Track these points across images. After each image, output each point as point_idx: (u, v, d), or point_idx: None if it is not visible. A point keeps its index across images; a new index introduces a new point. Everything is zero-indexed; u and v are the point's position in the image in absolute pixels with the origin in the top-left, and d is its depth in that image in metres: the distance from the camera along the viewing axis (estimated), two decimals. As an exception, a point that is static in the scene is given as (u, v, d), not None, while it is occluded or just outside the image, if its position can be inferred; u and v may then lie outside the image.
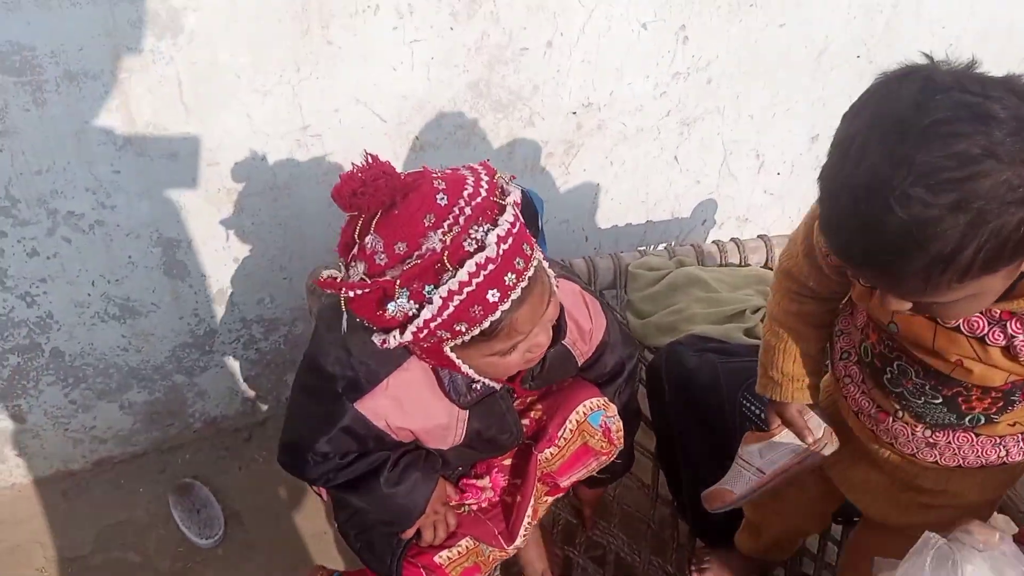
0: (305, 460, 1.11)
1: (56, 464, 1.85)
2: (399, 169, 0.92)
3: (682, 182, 2.18)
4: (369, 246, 0.88)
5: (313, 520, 1.87)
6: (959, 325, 0.89)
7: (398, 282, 0.85)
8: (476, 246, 0.86)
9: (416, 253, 0.86)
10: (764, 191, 2.39)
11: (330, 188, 1.66)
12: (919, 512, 1.18)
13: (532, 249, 0.93)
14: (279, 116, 1.53)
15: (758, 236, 1.92)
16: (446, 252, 0.84)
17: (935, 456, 1.07)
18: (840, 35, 2.06)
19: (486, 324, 0.90)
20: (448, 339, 0.92)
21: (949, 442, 1.05)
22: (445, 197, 0.87)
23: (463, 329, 0.90)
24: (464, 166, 0.95)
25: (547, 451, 1.26)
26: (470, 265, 0.85)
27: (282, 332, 1.90)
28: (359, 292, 0.88)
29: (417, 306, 0.87)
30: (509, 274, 0.88)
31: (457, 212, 0.86)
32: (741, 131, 2.16)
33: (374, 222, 0.87)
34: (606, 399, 1.27)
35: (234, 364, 1.91)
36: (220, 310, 1.78)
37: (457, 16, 1.59)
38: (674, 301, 1.68)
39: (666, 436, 1.54)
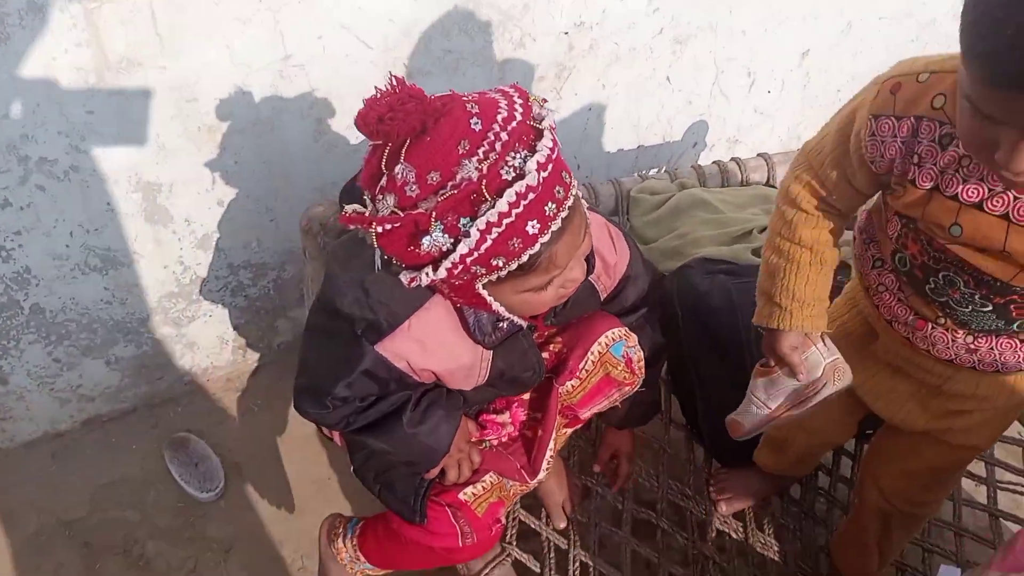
0: (324, 405, 1.05)
1: (43, 426, 1.77)
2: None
3: (674, 104, 2.12)
4: (399, 176, 0.81)
5: (316, 466, 1.83)
6: None
7: (433, 214, 0.79)
8: (515, 174, 0.80)
9: (451, 183, 0.79)
10: (755, 110, 2.34)
11: (315, 123, 1.60)
12: (946, 418, 1.18)
13: (570, 177, 0.88)
14: (260, 46, 1.43)
15: (758, 155, 1.88)
16: (483, 181, 0.79)
17: (973, 361, 1.06)
18: (834, -58, 1.99)
19: (524, 258, 0.84)
20: (483, 275, 0.86)
21: (991, 348, 1.03)
22: (479, 122, 0.81)
23: (500, 264, 0.84)
24: (494, 89, 0.87)
25: (568, 383, 1.23)
26: (509, 195, 0.79)
27: (271, 277, 1.83)
28: (389, 227, 0.81)
29: (452, 240, 0.81)
30: (549, 204, 0.83)
31: (492, 138, 0.80)
32: (733, 48, 2.10)
33: (403, 150, 0.80)
34: (627, 329, 1.23)
35: (223, 312, 1.83)
36: (206, 256, 1.69)
37: (443, -68, 1.50)
38: (679, 225, 1.63)
39: (679, 361, 1.51)
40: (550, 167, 0.82)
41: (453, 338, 1.04)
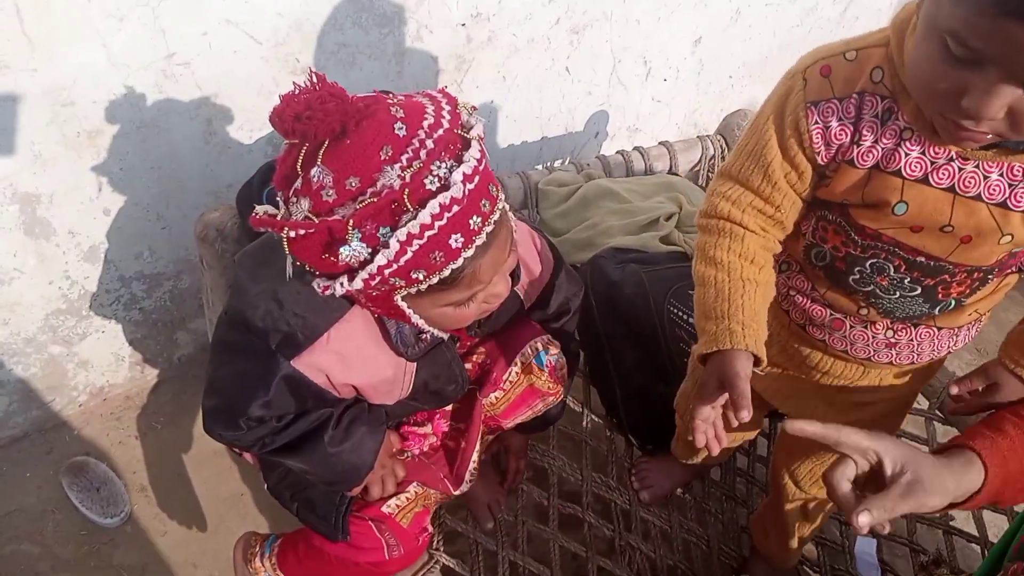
0: (238, 427, 1.00)
1: (-78, 460, 1.64)
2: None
3: (574, 94, 2.12)
4: (316, 180, 0.76)
5: (227, 483, 1.75)
6: (980, 192, 0.85)
7: (350, 222, 0.75)
8: (439, 184, 0.76)
9: (370, 190, 0.75)
10: (652, 98, 2.38)
11: (205, 123, 1.53)
12: (852, 410, 1.18)
13: (498, 189, 0.84)
14: (140, 44, 1.35)
15: (660, 143, 1.91)
16: (406, 190, 0.75)
17: (891, 357, 1.06)
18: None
19: (446, 272, 0.81)
20: (402, 287, 0.83)
21: (911, 339, 1.04)
22: (404, 127, 0.76)
23: (420, 277, 0.81)
24: (420, 93, 0.84)
25: (492, 395, 1.21)
26: (433, 206, 0.75)
27: (166, 288, 1.74)
28: (303, 232, 0.76)
29: (371, 251, 0.77)
30: (475, 217, 0.80)
31: (417, 144, 0.76)
32: (629, 37, 2.12)
33: (321, 152, 0.76)
34: (550, 337, 1.22)
35: (116, 327, 1.73)
36: (94, 269, 1.59)
37: (331, -79, 1.45)
38: (588, 216, 1.64)
39: (596, 351, 1.52)
40: (477, 179, 0.79)
41: (374, 350, 1.00)
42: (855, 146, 0.89)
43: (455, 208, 0.77)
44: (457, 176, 0.76)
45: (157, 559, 1.61)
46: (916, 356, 1.07)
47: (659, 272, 1.40)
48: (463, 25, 1.76)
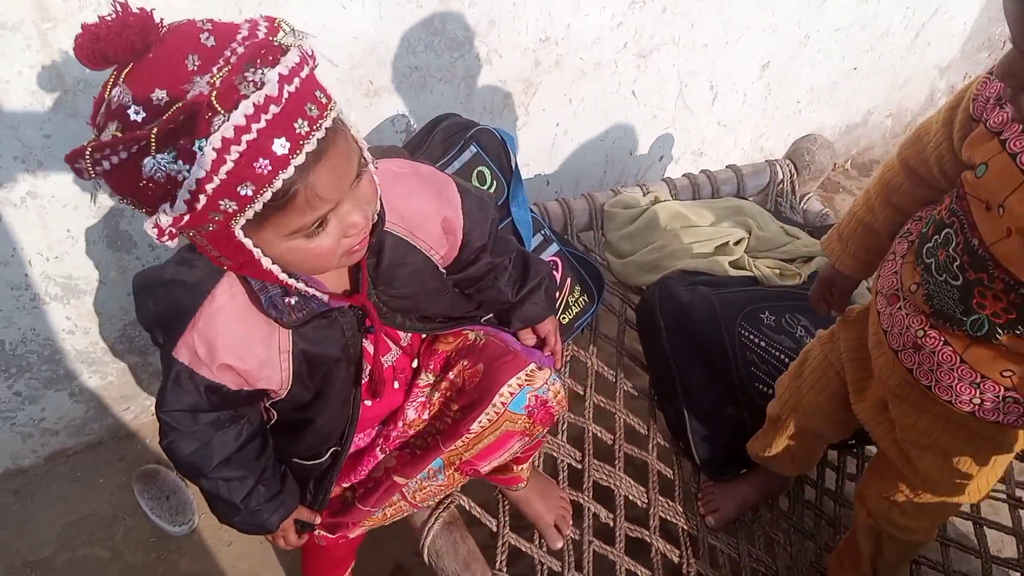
0: (163, 428, 0.97)
1: (4, 462, 1.70)
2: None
3: (640, 117, 2.13)
4: (117, 99, 0.69)
5: (291, 495, 1.78)
6: None
7: (155, 132, 0.66)
8: (253, 89, 0.68)
9: (180, 103, 0.67)
10: (718, 123, 2.36)
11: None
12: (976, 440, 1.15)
13: (329, 100, 0.76)
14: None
15: (727, 167, 1.90)
16: (214, 93, 0.67)
17: (915, 363, 1.06)
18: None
19: (278, 184, 0.71)
20: (235, 212, 0.73)
21: (934, 351, 1.03)
22: (212, 38, 0.70)
23: (249, 193, 0.71)
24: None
25: (455, 443, 1.13)
26: (246, 106, 0.67)
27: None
28: (112, 157, 0.68)
29: (187, 167, 0.68)
30: (299, 120, 0.71)
31: (229, 54, 0.69)
32: (696, 61, 2.12)
33: (124, 72, 0.69)
34: (534, 366, 1.12)
35: (189, 340, 1.78)
36: (172, 282, 1.65)
37: (407, -53, 1.49)
38: (654, 238, 1.63)
39: (664, 374, 1.50)
40: (296, 81, 0.71)
41: (249, 324, 0.92)
42: (987, 103, 0.95)
43: (272, 108, 0.69)
44: (271, 75, 0.69)
45: (222, 569, 1.64)
46: (934, 380, 1.05)
47: (730, 295, 1.38)
48: (532, 49, 1.78)
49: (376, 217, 0.90)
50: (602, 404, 1.57)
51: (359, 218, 0.82)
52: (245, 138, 0.68)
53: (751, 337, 1.37)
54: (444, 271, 1.11)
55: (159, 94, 0.68)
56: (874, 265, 1.20)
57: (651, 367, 1.52)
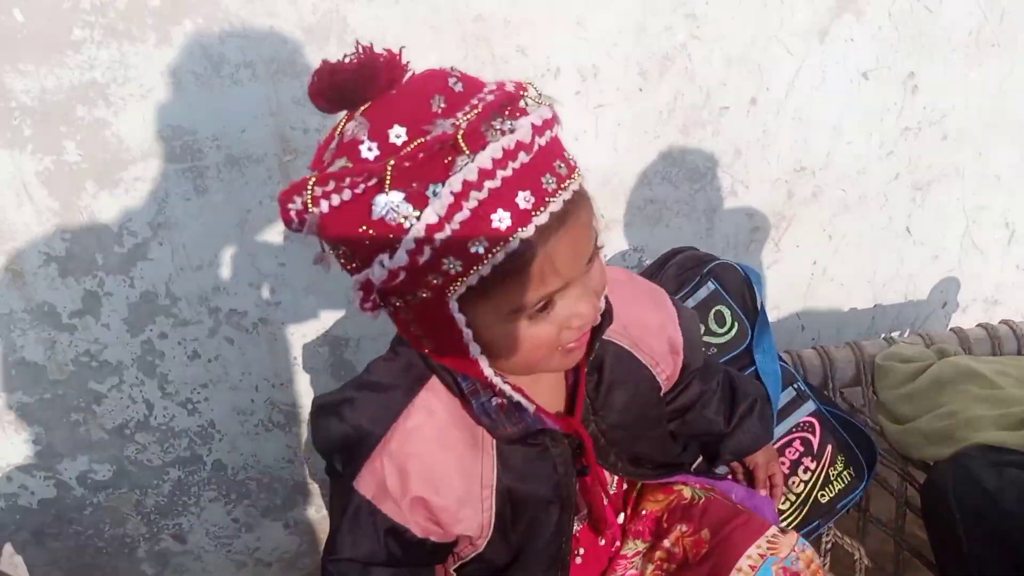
0: (326, 571, 0.82)
1: (218, 590, 1.70)
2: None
3: (916, 257, 1.83)
4: (350, 134, 0.62)
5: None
6: None
7: (391, 164, 0.59)
8: (501, 136, 0.60)
9: (420, 140, 0.60)
10: (1016, 267, 1.98)
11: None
12: None
13: (576, 166, 0.67)
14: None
15: (1036, 316, 1.54)
16: (460, 131, 0.59)
17: None
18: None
19: (513, 244, 0.61)
20: (457, 276, 0.62)
21: None
22: (460, 84, 0.63)
23: (480, 251, 0.61)
24: None
25: None
26: (495, 148, 0.59)
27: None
28: (336, 197, 0.60)
29: (416, 212, 0.59)
30: (547, 176, 0.62)
31: (476, 101, 0.62)
32: (986, 195, 1.81)
33: (362, 109, 0.63)
34: (775, 529, 0.92)
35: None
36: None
37: (647, 76, 1.40)
38: (943, 401, 1.31)
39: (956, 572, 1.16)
40: (548, 134, 0.63)
41: (449, 442, 0.78)
42: None
43: (522, 156, 0.60)
44: (524, 123, 0.61)
45: None
46: None
47: (1051, 481, 1.04)
48: (784, 180, 1.60)
49: (599, 318, 0.77)
50: (872, 608, 1.24)
51: (587, 308, 0.71)
52: (488, 184, 0.60)
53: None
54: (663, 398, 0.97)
55: (398, 131, 0.61)
56: None
57: (940, 566, 1.18)
